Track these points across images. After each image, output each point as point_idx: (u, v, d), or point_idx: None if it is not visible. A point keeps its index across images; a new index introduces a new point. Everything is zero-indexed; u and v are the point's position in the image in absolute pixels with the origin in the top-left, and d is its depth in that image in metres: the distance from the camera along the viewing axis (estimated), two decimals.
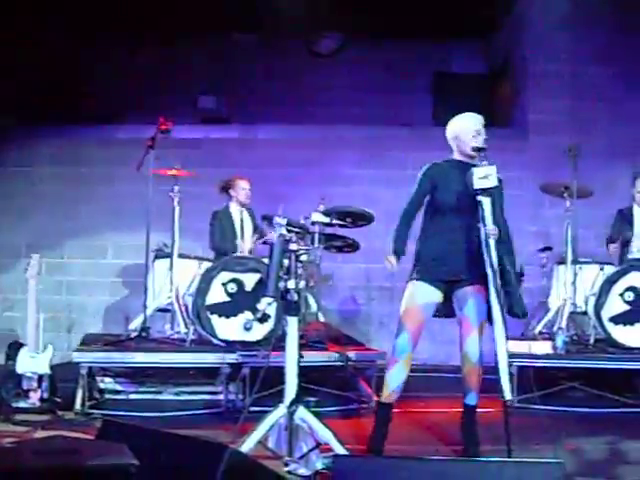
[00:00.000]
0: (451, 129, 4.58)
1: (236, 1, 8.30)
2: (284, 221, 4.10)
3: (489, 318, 4.32)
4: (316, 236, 4.58)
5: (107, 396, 5.98)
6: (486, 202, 4.29)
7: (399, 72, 9.31)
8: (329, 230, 5.24)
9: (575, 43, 8.64)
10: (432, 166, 4.59)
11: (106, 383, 6.04)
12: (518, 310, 4.39)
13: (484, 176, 4.25)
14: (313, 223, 4.62)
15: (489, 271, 4.23)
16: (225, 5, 8.37)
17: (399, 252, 4.49)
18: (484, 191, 4.27)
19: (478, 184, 4.26)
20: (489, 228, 4.28)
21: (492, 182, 4.26)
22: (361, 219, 5.60)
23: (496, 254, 4.26)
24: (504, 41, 9.17)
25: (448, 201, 4.45)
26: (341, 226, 4.83)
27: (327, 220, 4.61)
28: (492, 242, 4.27)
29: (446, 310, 4.56)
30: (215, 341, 6.05)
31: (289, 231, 4.15)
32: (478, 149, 4.40)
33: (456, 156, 4.57)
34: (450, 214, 4.45)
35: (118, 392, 6.04)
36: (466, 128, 4.51)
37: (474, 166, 4.35)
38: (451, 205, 4.44)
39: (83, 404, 5.51)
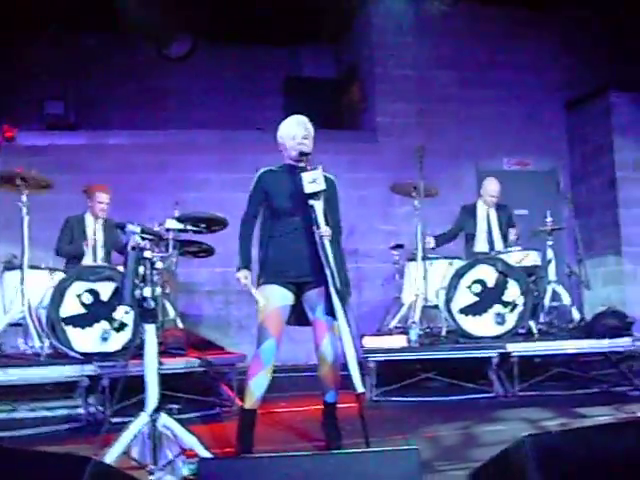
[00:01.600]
0: (278, 135, 4.64)
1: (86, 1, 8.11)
2: (138, 228, 4.05)
3: (332, 315, 4.41)
4: (170, 242, 4.55)
5: None
6: (317, 205, 4.40)
7: (250, 76, 9.37)
8: (184, 236, 5.22)
9: (421, 48, 8.99)
10: (263, 173, 4.66)
11: None
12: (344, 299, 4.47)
13: (312, 180, 4.37)
14: (167, 230, 4.59)
15: (327, 271, 4.34)
16: (74, 4, 8.17)
17: (246, 263, 4.57)
18: (314, 195, 4.39)
19: (308, 189, 4.37)
20: (322, 230, 4.39)
21: (320, 186, 4.38)
22: (215, 224, 5.62)
23: (332, 253, 4.37)
24: (353, 46, 9.40)
25: (283, 206, 4.53)
26: (195, 232, 4.83)
27: (181, 226, 4.59)
28: (327, 243, 4.38)
29: (297, 317, 4.62)
30: (72, 353, 5.89)
31: (143, 238, 4.10)
32: (303, 154, 4.49)
33: (287, 160, 4.65)
34: (286, 218, 4.54)
35: None
36: (289, 134, 4.58)
37: (303, 170, 4.45)
38: (286, 210, 4.53)
39: None
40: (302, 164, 4.50)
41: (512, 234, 7.20)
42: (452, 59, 9.14)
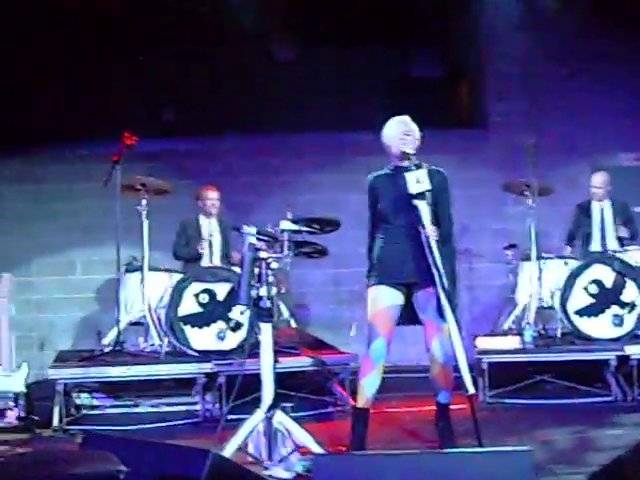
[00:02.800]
0: (382, 136, 4.64)
1: (193, 12, 8.34)
2: (253, 230, 4.17)
3: (442, 316, 4.39)
4: (285, 243, 4.66)
5: (84, 412, 5.97)
6: (422, 205, 4.38)
7: (359, 77, 9.39)
8: (298, 237, 5.32)
9: (530, 44, 8.80)
10: (372, 179, 4.69)
11: (82, 399, 6.04)
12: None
13: (416, 180, 4.35)
14: (282, 231, 4.70)
15: (434, 271, 4.31)
16: (181, 16, 8.42)
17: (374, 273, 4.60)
18: (419, 195, 4.37)
19: (412, 189, 4.36)
20: (428, 230, 4.37)
21: (424, 185, 4.36)
22: (329, 225, 5.69)
23: (439, 253, 4.34)
24: (461, 44, 9.31)
25: (389, 207, 4.54)
26: (309, 233, 4.92)
27: (296, 227, 4.68)
28: (433, 243, 4.35)
29: (409, 317, 4.61)
30: (189, 352, 6.08)
31: (259, 240, 4.21)
32: (405, 154, 4.47)
33: (393, 161, 4.64)
34: (393, 219, 4.54)
35: (95, 407, 6.05)
36: (391, 135, 4.57)
37: (407, 170, 4.43)
38: (392, 210, 4.54)
39: (61, 421, 5.53)
40: (405, 164, 4.50)
41: (623, 232, 6.99)
42: (562, 53, 8.91)
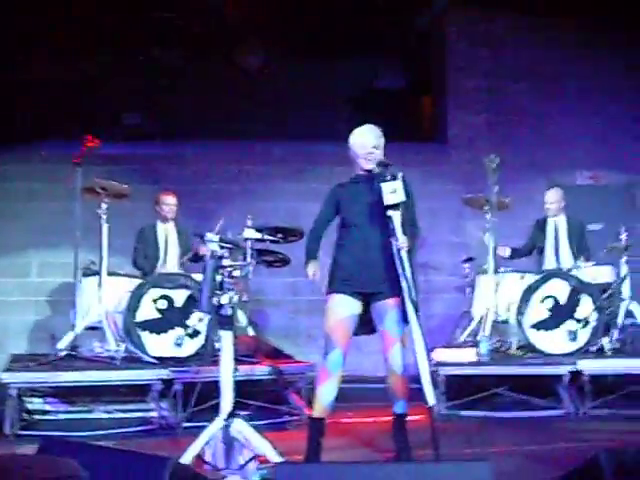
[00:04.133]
0: (349, 143, 4.63)
1: (160, 17, 8.32)
2: (216, 237, 4.16)
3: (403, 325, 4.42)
4: (248, 251, 4.65)
5: (36, 417, 5.88)
6: (396, 216, 4.38)
7: (324, 88, 9.44)
8: (260, 245, 5.32)
9: (494, 60, 8.94)
10: (335, 188, 4.70)
11: (35, 404, 5.94)
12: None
13: (392, 191, 4.35)
14: (245, 239, 4.69)
15: (404, 284, 4.33)
16: (147, 20, 8.39)
17: (312, 256, 4.65)
18: (393, 206, 4.37)
19: (388, 200, 4.35)
20: (400, 241, 4.38)
21: (400, 197, 4.36)
22: (292, 235, 5.70)
23: (409, 264, 4.36)
24: (425, 58, 9.40)
25: (356, 216, 4.54)
26: (272, 242, 4.92)
27: (259, 236, 4.68)
28: (404, 254, 4.36)
29: (365, 327, 4.62)
30: (146, 358, 6.03)
31: (221, 247, 4.20)
32: (383, 164, 4.47)
33: (358, 170, 4.65)
34: (360, 228, 4.55)
35: (48, 412, 5.95)
36: (360, 144, 4.58)
37: (376, 178, 4.44)
38: (360, 220, 4.54)
39: (13, 426, 5.44)
40: (377, 171, 4.50)
41: (581, 261, 7.06)
42: (525, 71, 9.07)
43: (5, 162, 8.31)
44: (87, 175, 6.44)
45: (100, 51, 8.73)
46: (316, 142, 8.52)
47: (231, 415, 4.13)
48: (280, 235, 4.87)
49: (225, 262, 4.11)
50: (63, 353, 6.23)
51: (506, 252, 7.03)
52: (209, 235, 4.18)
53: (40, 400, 5.97)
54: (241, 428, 4.10)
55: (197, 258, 6.70)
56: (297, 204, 8.20)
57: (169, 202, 7.02)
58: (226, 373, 4.15)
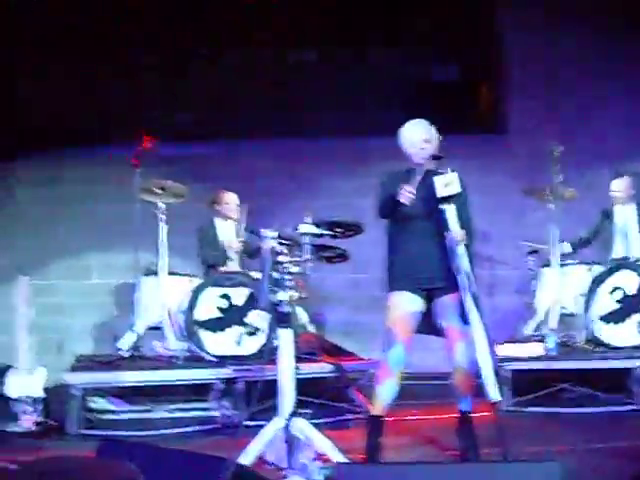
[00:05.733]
0: (400, 140, 4.56)
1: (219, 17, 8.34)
2: (274, 233, 4.11)
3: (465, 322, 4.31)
4: (306, 247, 4.59)
5: (100, 416, 5.93)
6: (449, 209, 4.31)
7: (377, 82, 9.34)
8: (319, 241, 5.27)
9: (554, 46, 8.72)
10: (391, 174, 4.59)
11: (98, 403, 6.00)
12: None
13: (446, 184, 4.27)
14: (303, 234, 4.63)
15: (460, 278, 4.24)
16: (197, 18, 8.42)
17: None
18: (448, 198, 4.29)
19: (441, 192, 4.27)
20: (455, 234, 4.28)
21: (455, 189, 4.28)
22: (351, 229, 5.62)
23: (467, 258, 4.25)
24: (480, 47, 9.23)
25: (410, 210, 4.42)
26: (331, 236, 4.86)
27: (317, 231, 4.62)
28: (461, 248, 4.27)
29: (428, 324, 4.53)
30: (207, 357, 6.04)
31: (280, 243, 4.15)
32: (436, 157, 4.39)
33: (412, 164, 4.55)
34: (415, 222, 4.46)
35: (111, 412, 6.00)
36: (411, 139, 4.50)
37: (436, 173, 4.35)
38: (414, 214, 4.44)
39: (77, 426, 5.48)
40: (430, 166, 4.42)
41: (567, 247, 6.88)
42: (586, 58, 8.83)
43: (63, 166, 8.41)
44: (145, 175, 6.47)
45: (148, 50, 8.74)
46: (368, 137, 8.42)
47: (293, 414, 4.08)
48: (338, 229, 4.80)
49: (282, 258, 4.06)
50: (125, 353, 6.28)
51: (567, 248, 6.85)
52: (266, 231, 4.13)
53: (103, 400, 6.02)
54: (302, 427, 4.04)
55: (255, 253, 6.64)
56: (350, 200, 8.10)
57: (230, 200, 6.98)
58: (285, 372, 4.09)
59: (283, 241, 4.10)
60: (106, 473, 2.16)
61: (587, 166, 8.31)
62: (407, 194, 4.27)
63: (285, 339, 4.13)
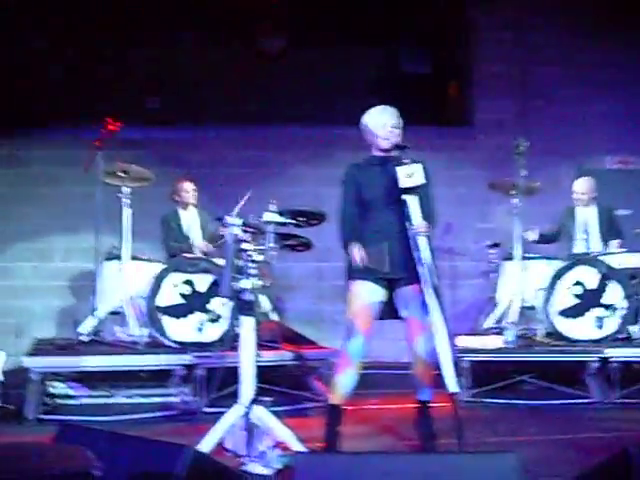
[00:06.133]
0: (366, 123, 4.51)
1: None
2: (239, 221, 4.09)
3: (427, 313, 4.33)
4: (270, 235, 4.58)
5: (58, 401, 5.88)
6: (411, 200, 4.29)
7: (345, 72, 9.34)
8: (283, 229, 5.27)
9: (520, 43, 8.80)
10: (351, 168, 4.56)
11: (57, 388, 5.94)
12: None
13: (409, 174, 4.25)
14: (267, 223, 4.62)
15: (420, 269, 4.24)
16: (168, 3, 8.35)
17: (353, 238, 4.43)
18: (410, 189, 4.28)
19: (403, 183, 4.25)
20: (417, 225, 4.29)
21: (418, 180, 4.26)
22: (314, 218, 5.64)
23: (428, 249, 4.27)
24: (451, 42, 9.27)
25: (373, 200, 4.43)
26: (295, 225, 4.85)
27: (281, 220, 4.61)
28: (423, 239, 4.27)
29: (388, 311, 4.54)
30: (168, 343, 6.01)
31: (243, 231, 4.14)
32: (400, 147, 4.37)
33: (375, 152, 4.54)
34: (378, 212, 4.45)
35: (70, 397, 5.95)
36: (379, 122, 4.46)
37: (398, 162, 4.32)
38: (378, 203, 4.43)
39: (36, 411, 5.43)
40: (394, 154, 4.40)
41: (614, 245, 6.95)
42: (553, 56, 8.92)
43: (24, 146, 8.31)
44: (109, 159, 6.40)
45: (117, 34, 8.65)
46: (337, 126, 8.41)
47: (253, 402, 4.08)
48: (302, 218, 4.80)
49: (246, 246, 4.05)
50: (85, 338, 6.23)
51: (534, 235, 6.87)
52: (230, 219, 4.11)
53: (62, 384, 5.97)
54: (262, 415, 4.05)
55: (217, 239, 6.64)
56: (317, 189, 8.12)
57: (187, 189, 6.98)
58: (246, 359, 4.09)
59: (247, 229, 4.08)
60: (61, 459, 2.14)
61: (551, 162, 8.41)
62: (357, 259, 4.34)
63: (247, 327, 4.12)
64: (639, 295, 6.51)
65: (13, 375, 5.73)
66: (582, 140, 8.80)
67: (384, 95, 8.98)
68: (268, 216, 4.47)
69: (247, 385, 4.11)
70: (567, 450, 4.59)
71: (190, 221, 7.00)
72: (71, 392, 5.96)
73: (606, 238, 6.99)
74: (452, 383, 4.17)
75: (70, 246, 8.20)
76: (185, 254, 6.55)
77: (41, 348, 6.20)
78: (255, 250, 4.09)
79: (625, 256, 6.69)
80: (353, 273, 4.50)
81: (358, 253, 4.37)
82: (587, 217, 7.08)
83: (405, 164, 4.28)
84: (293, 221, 4.65)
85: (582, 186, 7.09)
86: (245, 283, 4.04)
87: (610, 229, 7.03)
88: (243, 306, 4.10)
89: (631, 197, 8.70)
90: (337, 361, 4.55)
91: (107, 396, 5.97)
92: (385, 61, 9.60)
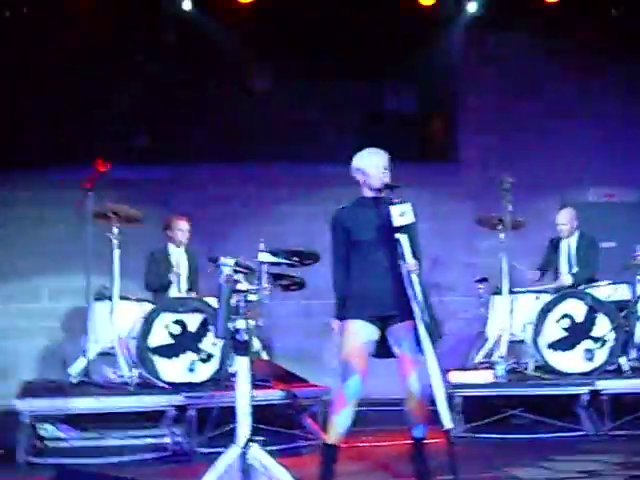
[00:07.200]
0: (358, 165, 4.60)
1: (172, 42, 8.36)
2: (232, 261, 4.11)
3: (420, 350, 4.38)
4: (264, 276, 4.60)
5: (49, 444, 5.83)
6: (404, 239, 4.38)
7: (332, 110, 9.42)
8: (276, 269, 5.29)
9: (504, 78, 8.93)
10: (339, 213, 4.62)
11: (47, 431, 5.89)
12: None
13: (401, 213, 4.35)
14: (261, 263, 4.64)
15: (414, 306, 4.31)
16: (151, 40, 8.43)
17: (346, 280, 4.56)
18: (402, 228, 4.36)
19: (397, 222, 4.35)
20: (410, 264, 4.36)
21: (409, 219, 4.36)
22: (308, 258, 5.67)
23: (420, 287, 4.34)
24: (434, 78, 9.38)
25: (366, 240, 4.50)
26: (288, 265, 4.87)
27: (275, 260, 4.63)
28: (414, 277, 4.35)
29: (382, 350, 4.57)
30: (159, 383, 5.98)
31: (236, 271, 4.15)
32: (390, 187, 4.47)
33: (366, 193, 4.62)
34: (369, 252, 4.51)
35: (60, 439, 5.89)
36: (373, 164, 4.55)
37: (388, 202, 4.43)
38: (369, 243, 4.50)
39: (27, 454, 5.38)
40: (382, 195, 4.51)
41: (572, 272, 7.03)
42: (536, 90, 9.05)
43: (14, 187, 8.30)
44: (98, 200, 6.41)
45: (100, 71, 8.68)
46: (324, 164, 8.49)
47: (248, 442, 4.06)
48: (296, 258, 4.82)
49: (240, 286, 4.06)
50: (75, 379, 6.18)
51: (535, 276, 7.01)
52: (224, 259, 4.13)
53: (52, 427, 5.91)
54: (258, 455, 4.03)
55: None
56: (307, 226, 8.17)
57: (182, 227, 7.01)
58: (242, 399, 4.08)
59: (240, 269, 4.09)
60: None
61: (536, 196, 8.50)
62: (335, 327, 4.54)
63: (243, 367, 4.11)
64: (627, 327, 6.57)
65: (1, 419, 5.68)
66: (566, 173, 8.92)
67: (370, 132, 9.12)
68: (263, 256, 4.49)
69: (243, 425, 4.09)
70: None
71: (179, 259, 7.01)
72: (62, 435, 5.90)
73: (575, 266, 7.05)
74: (447, 419, 4.18)
75: (60, 286, 8.17)
76: (168, 292, 6.57)
77: (30, 390, 6.14)
78: (248, 290, 4.10)
79: (612, 288, 6.76)
80: (346, 312, 4.53)
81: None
82: (570, 248, 7.16)
83: (397, 203, 4.36)
84: (287, 261, 4.67)
85: (564, 217, 7.18)
86: (240, 323, 4.04)
87: (582, 258, 7.06)
88: (238, 346, 4.09)
89: (615, 230, 8.79)
90: (334, 401, 4.55)
91: (98, 438, 5.92)
92: (370, 98, 9.69)
